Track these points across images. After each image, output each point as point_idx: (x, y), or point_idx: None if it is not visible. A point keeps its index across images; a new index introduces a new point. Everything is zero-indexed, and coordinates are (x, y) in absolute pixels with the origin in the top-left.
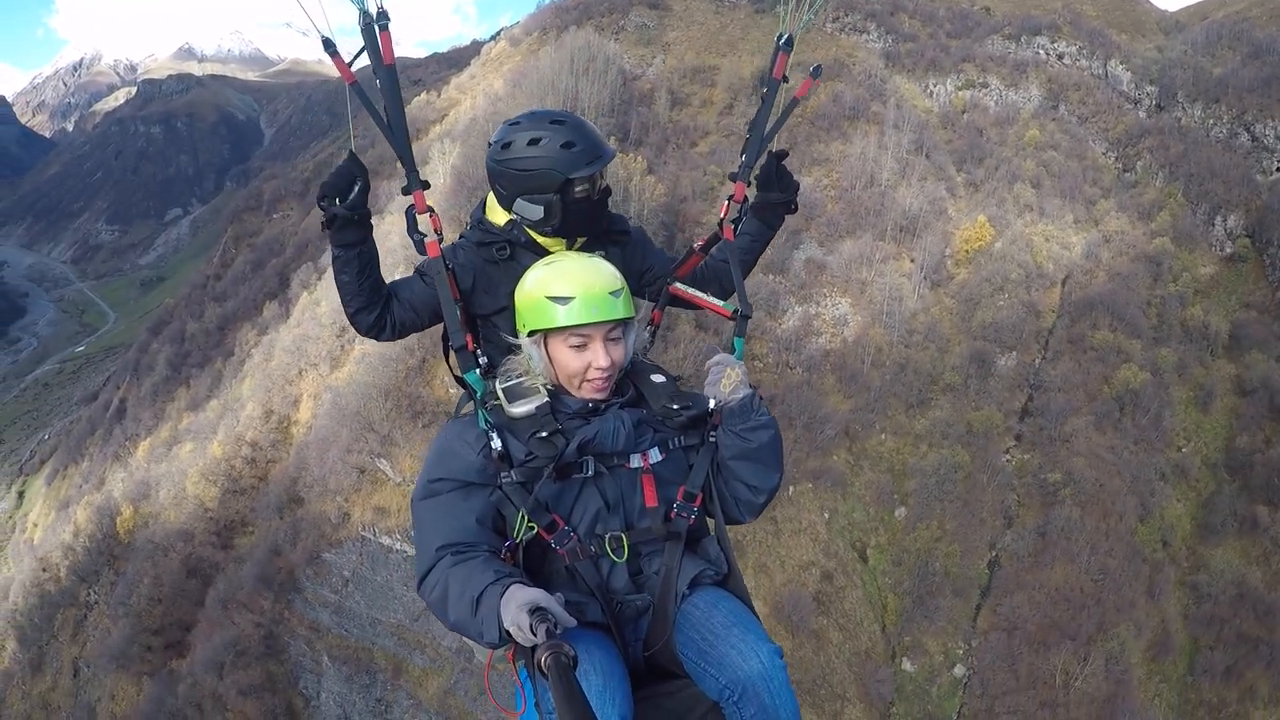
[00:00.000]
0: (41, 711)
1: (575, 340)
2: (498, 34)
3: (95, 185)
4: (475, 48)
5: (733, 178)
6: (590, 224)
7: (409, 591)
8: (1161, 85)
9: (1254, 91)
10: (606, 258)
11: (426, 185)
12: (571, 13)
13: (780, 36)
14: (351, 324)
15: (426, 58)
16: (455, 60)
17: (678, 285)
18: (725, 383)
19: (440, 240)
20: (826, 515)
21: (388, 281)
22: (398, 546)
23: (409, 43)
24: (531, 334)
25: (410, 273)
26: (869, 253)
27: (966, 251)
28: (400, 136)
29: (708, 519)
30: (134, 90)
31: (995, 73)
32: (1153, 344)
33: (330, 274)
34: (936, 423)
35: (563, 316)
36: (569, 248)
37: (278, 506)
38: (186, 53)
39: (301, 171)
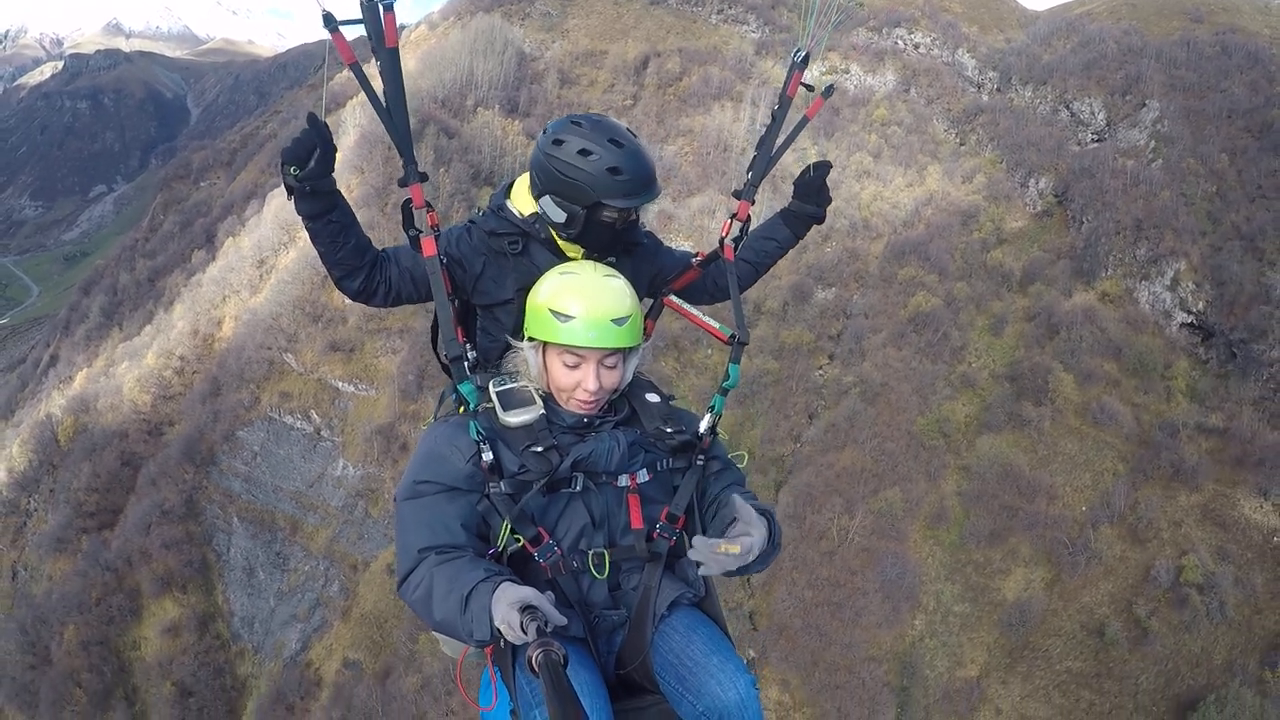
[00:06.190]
0: None
1: (570, 359)
2: (420, 21)
3: (19, 160)
4: (400, 31)
5: (738, 195)
6: (608, 245)
7: (306, 463)
8: (1000, 71)
9: (1075, 74)
10: (617, 265)
11: (425, 178)
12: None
13: (797, 53)
14: (338, 289)
15: (354, 39)
16: None
17: (673, 299)
18: (745, 544)
19: (437, 237)
20: None
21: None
22: (298, 425)
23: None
24: (532, 340)
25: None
26: (713, 205)
27: None
28: (400, 124)
29: (686, 536)
30: (60, 64)
31: (857, 60)
32: (951, 279)
33: (255, 217)
34: (755, 339)
35: (561, 333)
36: (586, 256)
37: (201, 397)
38: (114, 28)
39: (229, 142)
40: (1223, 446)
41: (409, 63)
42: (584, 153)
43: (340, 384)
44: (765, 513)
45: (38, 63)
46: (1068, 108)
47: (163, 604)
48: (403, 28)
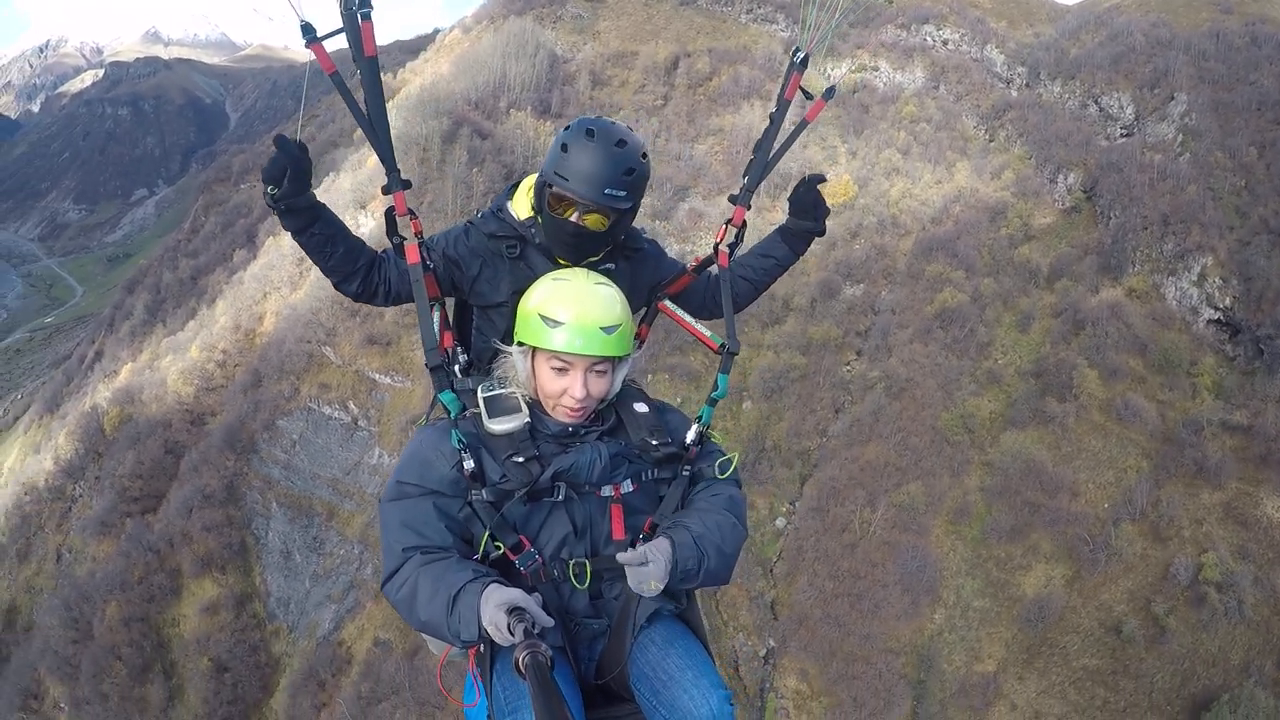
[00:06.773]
0: (25, 595)
1: (557, 364)
2: (454, 25)
3: (63, 165)
4: (434, 36)
5: (733, 200)
6: (573, 251)
7: (343, 451)
8: (1029, 66)
9: (1104, 69)
10: (615, 272)
11: (408, 185)
12: (517, 3)
13: (796, 53)
14: (338, 292)
15: (390, 44)
16: (416, 47)
17: (666, 304)
18: (639, 574)
19: (421, 242)
20: (679, 400)
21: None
22: (336, 415)
23: (385, 35)
24: (522, 344)
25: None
26: None
27: (832, 204)
28: (381, 132)
29: None
30: (101, 72)
31: (886, 57)
32: (979, 275)
33: None
34: (782, 335)
35: (549, 339)
36: (575, 262)
37: (243, 388)
38: (153, 37)
39: (268, 146)
40: (1247, 444)
41: (443, 66)
42: (566, 129)
43: (377, 376)
44: (672, 540)
45: (78, 71)
46: (1096, 102)
47: (202, 584)
48: (436, 32)
